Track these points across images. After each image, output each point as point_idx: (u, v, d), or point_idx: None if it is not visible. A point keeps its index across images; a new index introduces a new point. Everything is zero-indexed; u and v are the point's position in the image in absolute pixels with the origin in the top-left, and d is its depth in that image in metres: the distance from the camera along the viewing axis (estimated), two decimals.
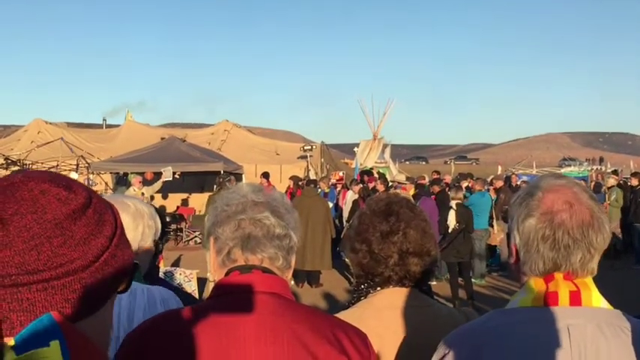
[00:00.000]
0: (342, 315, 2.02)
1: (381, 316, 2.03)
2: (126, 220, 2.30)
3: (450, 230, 11.21)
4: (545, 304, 1.50)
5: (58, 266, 0.97)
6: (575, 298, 1.49)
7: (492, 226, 13.69)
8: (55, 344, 0.89)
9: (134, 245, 2.31)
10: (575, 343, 1.43)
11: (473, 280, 12.83)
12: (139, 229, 2.37)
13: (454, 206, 11.49)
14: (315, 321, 1.55)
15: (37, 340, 0.89)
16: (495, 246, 14.17)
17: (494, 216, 13.74)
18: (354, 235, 2.17)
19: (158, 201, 17.66)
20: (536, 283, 1.53)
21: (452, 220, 11.27)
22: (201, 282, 10.59)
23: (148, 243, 2.42)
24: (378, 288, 2.11)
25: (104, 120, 43.23)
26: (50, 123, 30.54)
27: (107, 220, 1.08)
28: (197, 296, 9.29)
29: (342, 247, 13.00)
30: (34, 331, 0.90)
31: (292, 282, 11.29)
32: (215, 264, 1.64)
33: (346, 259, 13.92)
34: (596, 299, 1.50)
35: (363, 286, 2.15)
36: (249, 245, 1.58)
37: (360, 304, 2.12)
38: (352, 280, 12.51)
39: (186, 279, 10.07)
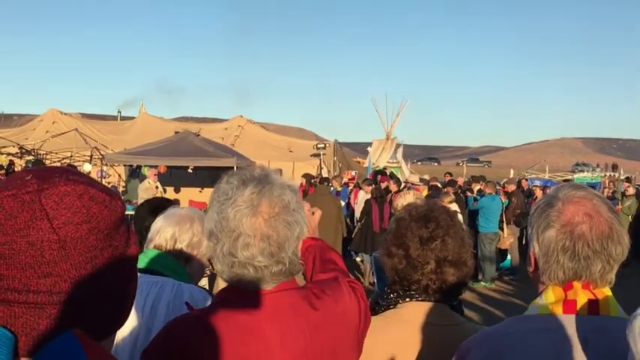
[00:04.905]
0: None
1: (407, 331, 1.99)
2: (198, 227, 2.35)
3: None
4: (564, 313, 1.52)
5: (112, 281, 0.92)
6: (594, 308, 1.51)
7: (502, 229, 13.65)
8: None
9: (198, 249, 2.38)
10: (593, 352, 1.45)
11: (482, 283, 12.82)
12: (205, 242, 2.34)
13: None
14: (327, 305, 1.62)
15: None
16: (506, 250, 14.12)
17: (504, 220, 13.69)
18: (392, 238, 2.10)
19: (170, 194, 17.72)
20: (555, 292, 1.55)
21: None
22: (211, 277, 10.60)
23: (206, 257, 2.41)
24: (407, 299, 2.05)
25: (119, 112, 43.44)
26: (65, 114, 30.77)
27: (129, 224, 1.02)
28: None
29: (354, 247, 13.01)
30: (55, 351, 0.83)
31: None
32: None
33: (356, 259, 13.97)
34: (614, 309, 1.52)
35: (392, 296, 2.09)
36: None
37: (387, 313, 2.08)
38: (362, 280, 12.57)
39: None
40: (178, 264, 2.34)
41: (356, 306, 1.71)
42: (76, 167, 13.70)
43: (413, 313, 2.02)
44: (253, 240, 1.49)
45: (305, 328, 1.53)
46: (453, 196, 12.38)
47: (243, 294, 1.54)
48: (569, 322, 1.50)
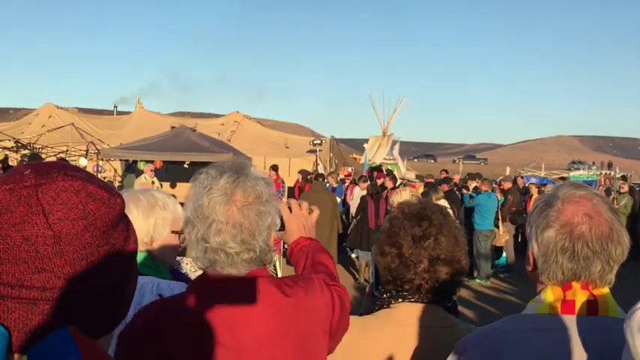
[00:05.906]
0: (360, 321, 2.01)
1: (399, 332, 1.96)
2: (134, 212, 2.19)
3: None
4: (563, 313, 1.51)
5: (109, 278, 0.90)
6: (593, 308, 1.50)
7: (498, 227, 13.64)
8: None
9: (146, 238, 2.25)
10: (592, 352, 1.45)
11: (478, 280, 12.84)
12: (149, 220, 2.26)
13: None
14: (298, 294, 1.67)
15: (51, 358, 0.82)
16: (502, 247, 14.14)
17: (499, 217, 13.69)
18: (385, 237, 2.06)
19: (166, 190, 17.69)
20: (554, 292, 1.54)
21: None
22: None
23: (164, 235, 2.29)
24: (400, 300, 2.02)
25: (115, 107, 43.31)
26: (61, 108, 30.71)
27: (129, 221, 1.02)
28: None
29: (349, 243, 13.02)
30: (49, 347, 0.83)
31: None
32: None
33: (352, 255, 13.97)
34: (613, 309, 1.52)
35: (385, 296, 2.06)
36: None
37: (379, 313, 2.05)
38: (357, 276, 12.59)
39: (193, 269, 10.01)
40: (154, 260, 2.27)
41: (329, 300, 1.77)
42: (68, 161, 13.61)
43: (405, 315, 2.00)
44: (226, 226, 1.54)
45: (274, 312, 1.59)
46: (442, 193, 12.40)
47: (216, 279, 1.59)
48: (568, 322, 1.49)
